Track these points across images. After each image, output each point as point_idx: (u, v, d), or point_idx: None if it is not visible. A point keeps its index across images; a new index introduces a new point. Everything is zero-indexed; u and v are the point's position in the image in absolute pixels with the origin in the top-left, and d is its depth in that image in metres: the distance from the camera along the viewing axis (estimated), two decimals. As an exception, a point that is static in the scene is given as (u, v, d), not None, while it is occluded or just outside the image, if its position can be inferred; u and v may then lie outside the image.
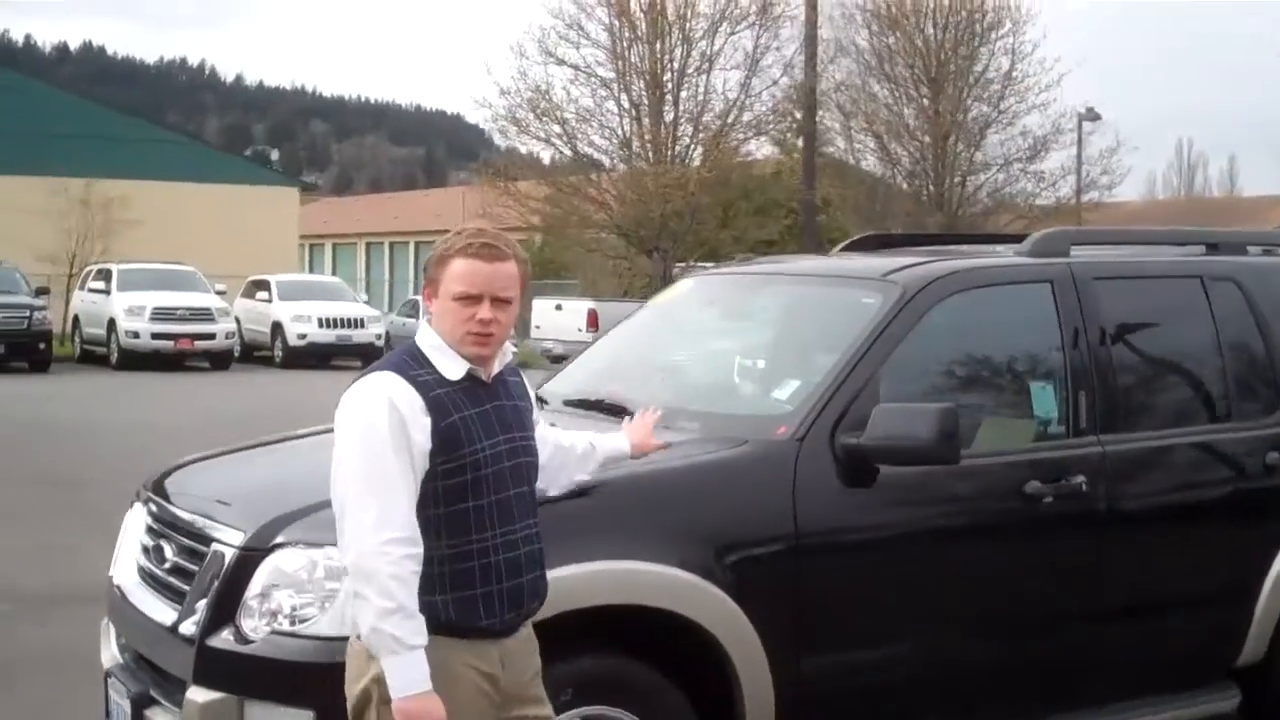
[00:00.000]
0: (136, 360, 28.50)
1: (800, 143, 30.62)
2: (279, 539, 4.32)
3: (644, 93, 29.08)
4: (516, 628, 3.70)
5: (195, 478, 5.26)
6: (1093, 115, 37.21)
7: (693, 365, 5.99)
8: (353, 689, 3.62)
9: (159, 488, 5.18)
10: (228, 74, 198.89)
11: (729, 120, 29.27)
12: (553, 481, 4.15)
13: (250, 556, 4.33)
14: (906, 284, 5.22)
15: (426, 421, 3.51)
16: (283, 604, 4.24)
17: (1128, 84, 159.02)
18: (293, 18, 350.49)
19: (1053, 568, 5.26)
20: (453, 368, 3.61)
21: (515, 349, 3.85)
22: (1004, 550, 5.18)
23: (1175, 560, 5.55)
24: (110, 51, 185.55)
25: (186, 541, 4.73)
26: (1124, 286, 5.71)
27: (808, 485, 4.73)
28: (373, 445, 3.48)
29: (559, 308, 29.97)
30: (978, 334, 5.57)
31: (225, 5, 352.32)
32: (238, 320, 31.56)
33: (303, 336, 30.80)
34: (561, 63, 29.06)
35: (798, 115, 28.41)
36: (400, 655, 3.42)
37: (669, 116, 29.32)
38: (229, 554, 4.41)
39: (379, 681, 3.49)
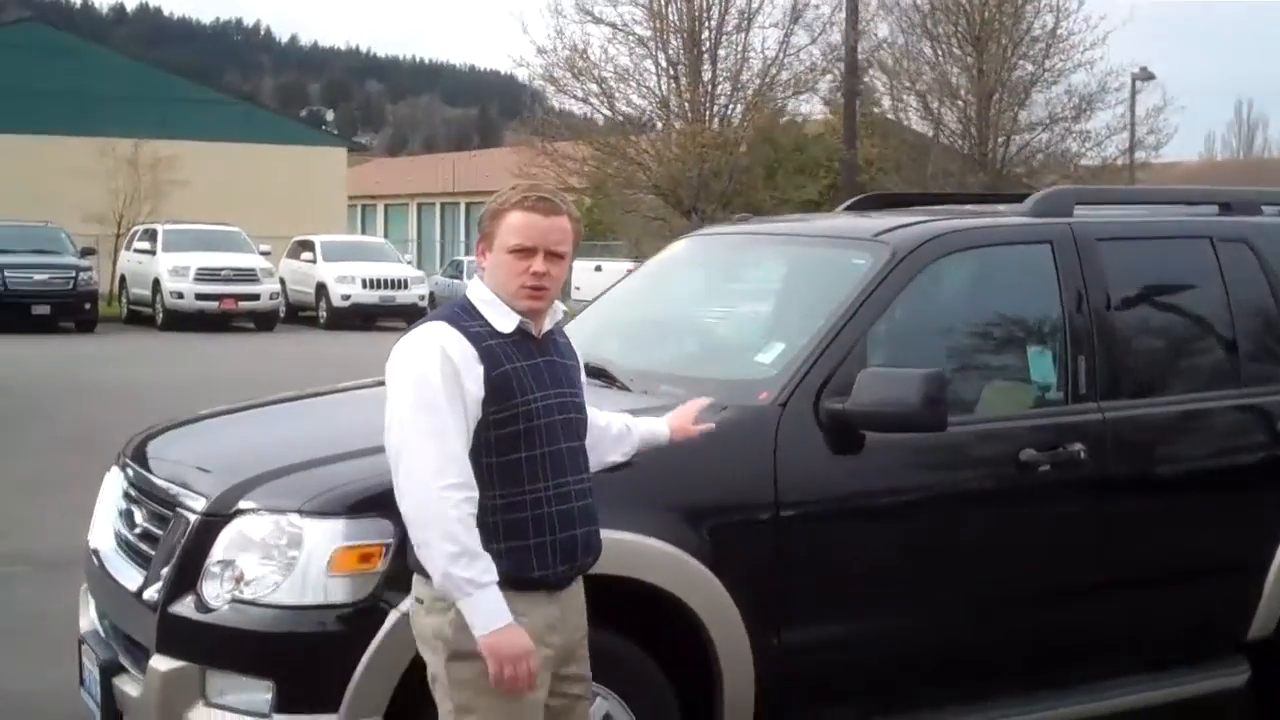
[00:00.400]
0: (181, 320, 28.64)
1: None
2: (242, 504, 4.25)
3: (682, 51, 28.75)
4: (569, 581, 3.72)
5: (174, 442, 5.19)
6: (1146, 75, 36.60)
7: (679, 327, 5.85)
8: (427, 653, 3.67)
9: (138, 452, 5.11)
10: (283, 34, 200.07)
11: (768, 79, 28.96)
12: None
13: (212, 522, 4.27)
14: (897, 245, 5.06)
15: (479, 370, 3.53)
16: (244, 571, 4.18)
17: (1186, 43, 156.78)
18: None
19: (1051, 539, 5.10)
20: (504, 321, 3.63)
21: (565, 309, 3.86)
22: (998, 520, 5.02)
23: (1181, 531, 5.37)
24: (166, 12, 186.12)
25: (156, 506, 4.67)
26: (1128, 247, 5.51)
27: (790, 452, 4.60)
28: (426, 393, 3.51)
29: (599, 269, 29.90)
30: (973, 296, 5.42)
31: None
32: (283, 281, 31.63)
33: (346, 297, 30.87)
34: (599, 21, 28.81)
35: (841, 72, 28.00)
36: (474, 596, 3.46)
37: (707, 75, 29.02)
38: (192, 519, 4.34)
39: (444, 638, 3.56)
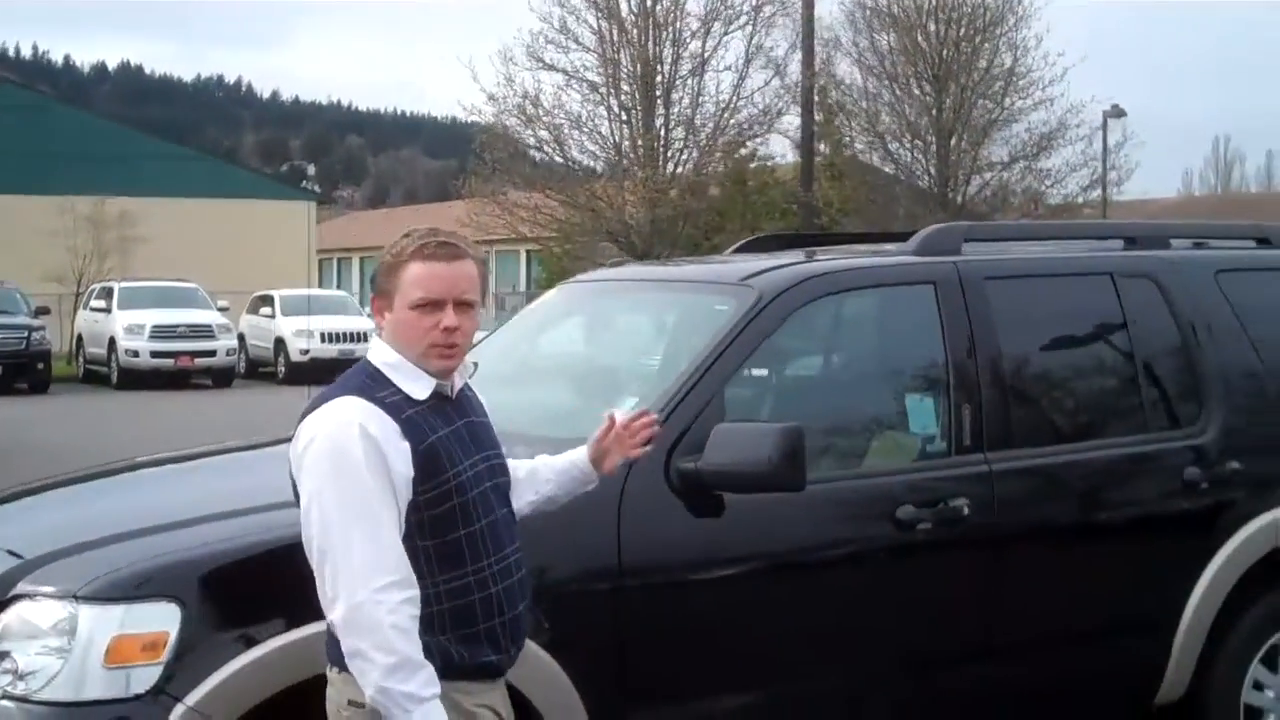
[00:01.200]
0: (137, 379, 28.11)
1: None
2: (20, 588, 3.85)
3: (635, 96, 28.52)
4: (512, 664, 3.37)
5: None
6: (1118, 112, 36.38)
7: (539, 381, 5.44)
8: None
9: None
10: (264, 90, 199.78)
11: (721, 123, 28.68)
12: None
13: None
14: (764, 288, 4.66)
15: (405, 446, 3.12)
16: (20, 663, 3.75)
17: (1165, 80, 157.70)
18: (329, 34, 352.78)
19: (933, 602, 4.69)
20: (417, 386, 3.22)
21: (475, 362, 3.46)
22: (873, 584, 4.61)
23: (1079, 591, 4.96)
24: (148, 70, 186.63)
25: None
26: (1020, 286, 5.12)
27: (636, 516, 4.19)
28: (349, 479, 3.08)
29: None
30: (848, 342, 5.05)
31: (262, 24, 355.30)
32: (242, 337, 31.18)
33: (305, 352, 30.18)
34: (550, 68, 28.61)
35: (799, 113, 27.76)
36: (414, 714, 3.03)
37: (660, 120, 28.79)
38: None
39: None
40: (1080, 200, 31.31)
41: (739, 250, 6.10)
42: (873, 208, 29.52)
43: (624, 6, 28.61)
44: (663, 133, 28.26)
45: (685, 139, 28.65)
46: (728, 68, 28.81)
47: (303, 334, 30.41)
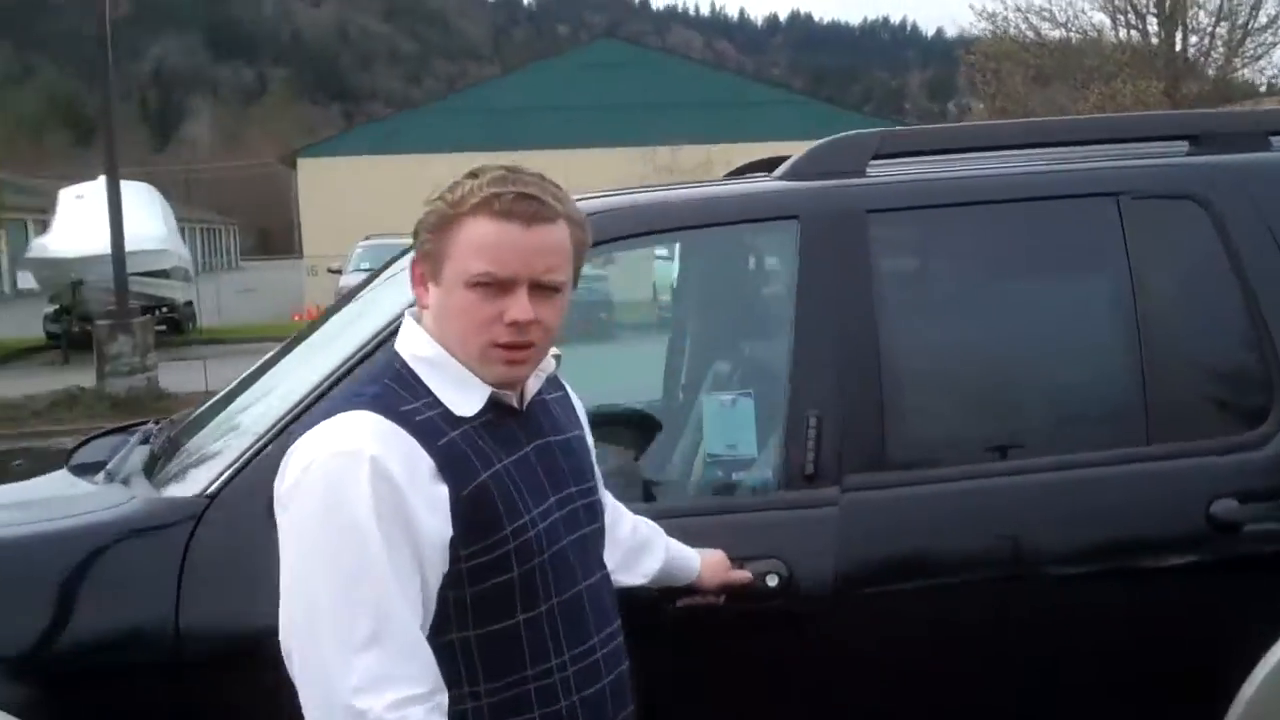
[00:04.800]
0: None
1: None
2: None
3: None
4: None
5: None
6: None
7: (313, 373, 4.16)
8: None
9: None
10: (928, 28, 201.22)
11: (1249, 24, 24.58)
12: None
13: None
14: None
15: (441, 492, 2.10)
16: None
17: None
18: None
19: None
20: (463, 396, 2.19)
21: (558, 353, 2.38)
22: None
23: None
24: (817, 18, 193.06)
25: None
26: (943, 221, 3.31)
27: (212, 568, 2.97)
28: (348, 541, 2.06)
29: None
30: (628, 313, 3.52)
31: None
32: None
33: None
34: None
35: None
36: None
37: (1179, 22, 25.11)
38: None
39: None
40: None
41: (735, 173, 4.57)
42: None
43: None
44: (1179, 37, 24.68)
45: (1209, 46, 24.94)
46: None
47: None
